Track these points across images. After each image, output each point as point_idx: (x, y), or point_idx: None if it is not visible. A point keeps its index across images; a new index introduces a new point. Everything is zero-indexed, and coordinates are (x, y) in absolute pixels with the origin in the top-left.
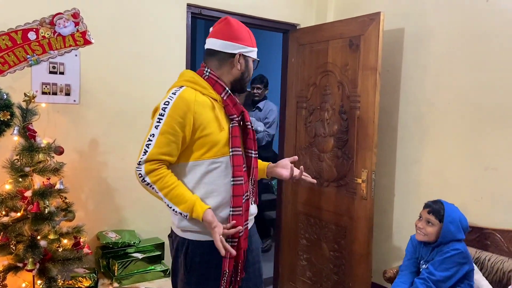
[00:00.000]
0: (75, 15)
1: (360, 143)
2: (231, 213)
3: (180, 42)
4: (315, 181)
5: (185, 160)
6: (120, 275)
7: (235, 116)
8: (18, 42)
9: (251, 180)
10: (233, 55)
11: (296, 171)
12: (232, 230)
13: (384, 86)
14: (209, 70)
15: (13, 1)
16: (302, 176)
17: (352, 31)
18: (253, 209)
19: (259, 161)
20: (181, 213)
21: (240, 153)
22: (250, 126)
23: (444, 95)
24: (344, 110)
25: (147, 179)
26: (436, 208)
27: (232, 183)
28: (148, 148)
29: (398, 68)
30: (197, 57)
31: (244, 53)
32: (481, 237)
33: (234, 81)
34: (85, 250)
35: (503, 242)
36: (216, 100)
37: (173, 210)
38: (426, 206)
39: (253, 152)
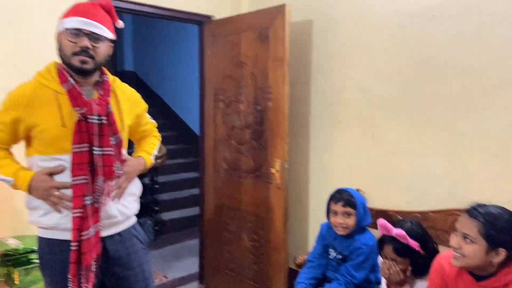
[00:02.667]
0: None
1: (273, 134)
2: (72, 215)
3: None
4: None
5: (30, 154)
6: (22, 283)
7: (78, 109)
8: None
9: (104, 180)
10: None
11: None
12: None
13: (295, 77)
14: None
15: None
16: None
17: (261, 23)
18: (113, 211)
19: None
20: (3, 180)
21: (84, 150)
22: (94, 120)
23: (349, 84)
24: (257, 101)
25: None
26: (347, 198)
27: (72, 182)
28: None
29: (308, 59)
30: (124, 53)
31: (58, 29)
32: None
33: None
34: None
35: None
36: (61, 93)
37: None
38: (337, 199)
39: (96, 148)
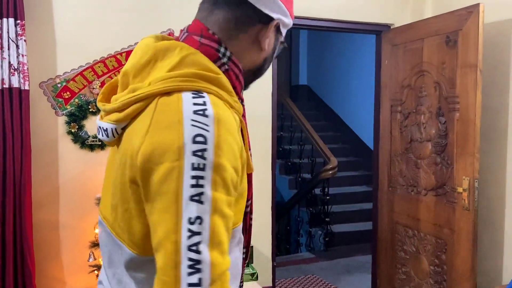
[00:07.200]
0: (170, 35)
1: (460, 148)
2: None
3: None
4: None
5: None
6: None
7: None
8: (122, 63)
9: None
10: (270, 20)
11: None
12: None
13: (489, 84)
14: (228, 50)
15: (119, 27)
16: None
17: (448, 27)
18: None
19: None
20: None
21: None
22: None
23: None
24: (442, 112)
25: None
26: None
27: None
28: (197, 247)
29: (506, 64)
30: (300, 69)
31: (282, 22)
32: None
33: (249, 71)
34: None
35: None
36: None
37: None
38: None
39: None
